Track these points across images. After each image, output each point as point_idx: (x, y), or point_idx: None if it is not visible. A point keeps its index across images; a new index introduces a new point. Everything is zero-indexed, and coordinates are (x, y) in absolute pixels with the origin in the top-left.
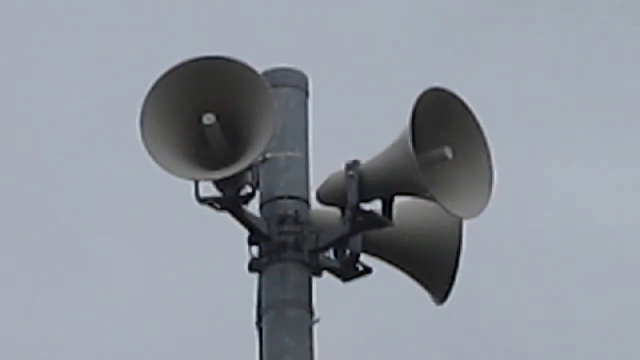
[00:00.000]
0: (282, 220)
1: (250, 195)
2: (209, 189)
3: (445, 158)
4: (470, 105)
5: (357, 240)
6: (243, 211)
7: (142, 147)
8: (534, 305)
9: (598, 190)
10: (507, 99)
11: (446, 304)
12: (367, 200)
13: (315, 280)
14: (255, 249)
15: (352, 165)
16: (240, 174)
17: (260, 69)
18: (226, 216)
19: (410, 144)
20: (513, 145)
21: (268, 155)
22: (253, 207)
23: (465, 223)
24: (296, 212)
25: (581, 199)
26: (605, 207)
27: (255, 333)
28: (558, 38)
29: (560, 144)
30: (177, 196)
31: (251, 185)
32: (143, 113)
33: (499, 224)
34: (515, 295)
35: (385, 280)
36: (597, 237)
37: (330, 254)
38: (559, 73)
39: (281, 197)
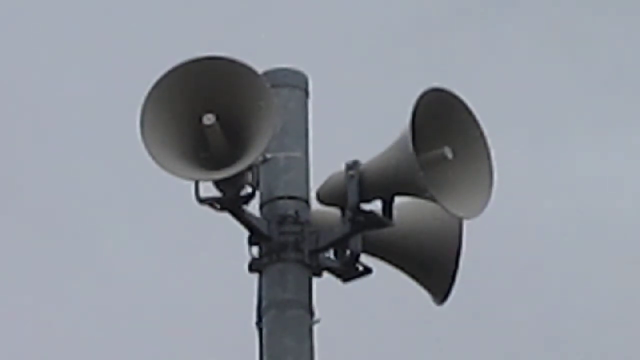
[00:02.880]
0: (282, 220)
1: (250, 196)
2: (209, 189)
3: (445, 158)
4: (470, 105)
5: (357, 240)
6: (243, 211)
7: (142, 147)
8: (534, 305)
9: (598, 189)
10: (506, 98)
11: (446, 304)
12: (367, 201)
13: (315, 280)
14: (255, 249)
15: (352, 165)
16: (241, 174)
17: (260, 69)
18: (226, 216)
19: (410, 144)
20: (513, 145)
21: (268, 156)
22: (253, 207)
23: (465, 223)
24: (296, 212)
25: (582, 199)
26: (606, 206)
27: (255, 333)
28: (556, 35)
29: (560, 144)
30: (177, 196)
31: (251, 185)
32: (143, 113)
33: (499, 224)
34: (516, 295)
35: (385, 280)
36: (598, 237)
37: (330, 254)
38: (557, 70)
39: (281, 198)
